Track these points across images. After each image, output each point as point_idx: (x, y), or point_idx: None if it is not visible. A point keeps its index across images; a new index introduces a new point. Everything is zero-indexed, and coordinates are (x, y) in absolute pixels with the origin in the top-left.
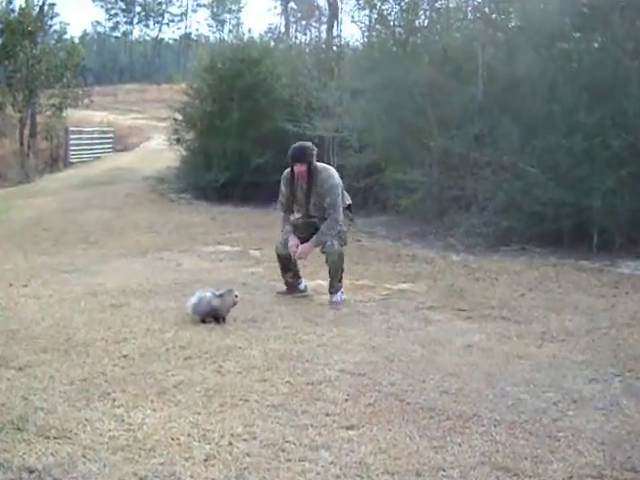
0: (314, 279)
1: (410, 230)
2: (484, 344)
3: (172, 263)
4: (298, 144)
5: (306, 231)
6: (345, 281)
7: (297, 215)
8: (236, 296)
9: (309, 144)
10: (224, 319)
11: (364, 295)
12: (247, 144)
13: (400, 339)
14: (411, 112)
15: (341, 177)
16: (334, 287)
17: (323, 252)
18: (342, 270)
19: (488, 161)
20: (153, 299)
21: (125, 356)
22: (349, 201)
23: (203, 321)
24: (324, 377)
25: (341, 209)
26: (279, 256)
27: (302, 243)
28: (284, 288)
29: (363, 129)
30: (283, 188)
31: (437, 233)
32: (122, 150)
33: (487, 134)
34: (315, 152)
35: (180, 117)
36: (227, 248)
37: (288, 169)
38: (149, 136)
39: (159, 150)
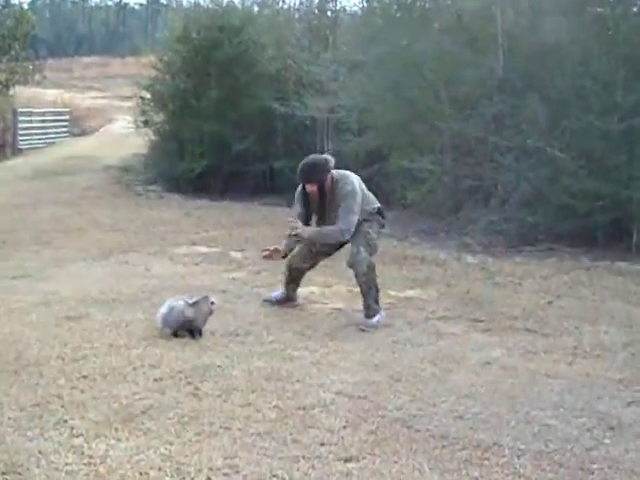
0: (306, 285)
1: (418, 227)
2: (505, 361)
3: (139, 267)
4: (308, 160)
5: (325, 244)
6: (341, 287)
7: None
8: (212, 303)
9: (321, 158)
10: (200, 332)
11: None
12: (227, 127)
13: (407, 355)
14: (419, 89)
15: (337, 166)
16: (370, 309)
17: (350, 266)
18: (377, 287)
19: (509, 146)
20: (117, 310)
21: (85, 377)
22: (377, 204)
23: (175, 335)
24: (318, 400)
25: (354, 218)
26: (292, 269)
27: (319, 257)
28: (271, 295)
29: (363, 109)
30: (297, 204)
31: (450, 231)
32: (80, 135)
33: (508, 114)
34: (330, 167)
35: (148, 96)
36: (204, 249)
37: (299, 188)
38: (112, 118)
39: (124, 134)
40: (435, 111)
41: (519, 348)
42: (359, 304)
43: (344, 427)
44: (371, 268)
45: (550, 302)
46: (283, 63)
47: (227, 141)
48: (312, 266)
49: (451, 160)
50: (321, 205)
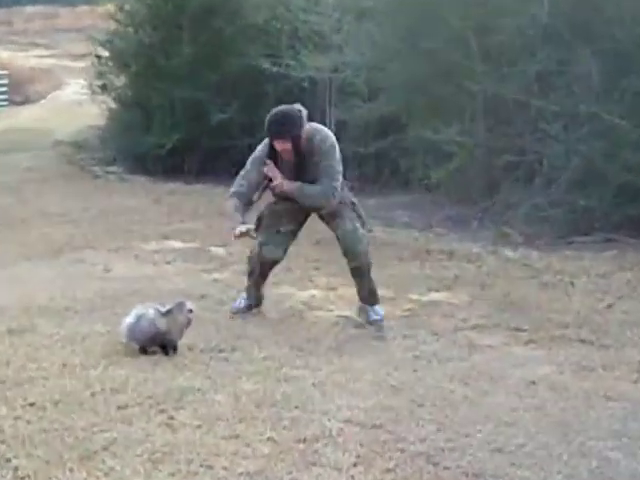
0: (306, 288)
1: (445, 214)
2: (555, 379)
3: (97, 268)
4: (277, 111)
5: (294, 220)
6: (348, 289)
7: (275, 199)
8: (190, 311)
9: (294, 109)
10: (175, 348)
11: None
12: (205, 92)
13: (432, 374)
14: (444, 41)
15: (343, 139)
16: (376, 295)
17: (346, 248)
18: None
19: (557, 112)
20: (70, 321)
21: (32, 404)
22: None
23: (144, 351)
24: (322, 431)
25: (340, 178)
26: (263, 262)
27: (289, 238)
28: (240, 303)
29: (373, 67)
30: (250, 167)
31: (484, 218)
32: (22, 103)
33: (555, 72)
34: (304, 119)
35: (106, 54)
36: (178, 244)
37: (262, 144)
38: (61, 82)
39: (76, 102)
40: (464, 68)
41: (571, 364)
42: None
43: (354, 464)
44: (368, 244)
45: (610, 306)
46: (274, 11)
47: (205, 109)
48: (285, 254)
49: (485, 130)
50: (295, 167)
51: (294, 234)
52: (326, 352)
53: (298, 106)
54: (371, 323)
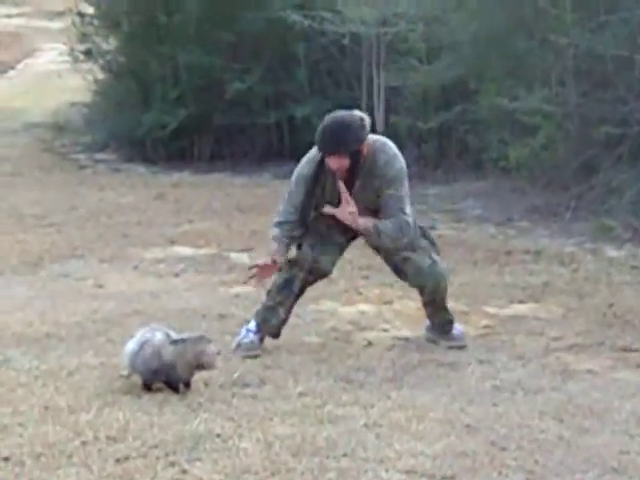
0: (353, 303)
1: (528, 204)
2: None
3: (87, 283)
4: (333, 120)
5: (344, 234)
6: (408, 303)
7: (317, 234)
8: (211, 357)
9: (354, 117)
10: (188, 384)
11: None
12: (217, 56)
13: (517, 409)
14: None
15: (396, 111)
16: (450, 323)
17: (422, 284)
18: None
19: None
20: (54, 351)
21: (6, 459)
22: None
23: (148, 387)
24: None
25: (410, 211)
26: (312, 270)
27: (336, 249)
28: (245, 339)
29: (433, 19)
30: (295, 189)
31: (579, 208)
32: None
33: None
34: (366, 130)
35: (90, 10)
36: (188, 251)
37: (308, 156)
38: (33, 48)
39: (53, 73)
40: (550, 18)
41: None
42: None
43: None
44: (449, 276)
45: None
46: None
47: (218, 78)
48: (333, 267)
49: (577, 95)
50: (349, 190)
51: (342, 250)
52: (381, 384)
53: (359, 113)
54: (448, 347)
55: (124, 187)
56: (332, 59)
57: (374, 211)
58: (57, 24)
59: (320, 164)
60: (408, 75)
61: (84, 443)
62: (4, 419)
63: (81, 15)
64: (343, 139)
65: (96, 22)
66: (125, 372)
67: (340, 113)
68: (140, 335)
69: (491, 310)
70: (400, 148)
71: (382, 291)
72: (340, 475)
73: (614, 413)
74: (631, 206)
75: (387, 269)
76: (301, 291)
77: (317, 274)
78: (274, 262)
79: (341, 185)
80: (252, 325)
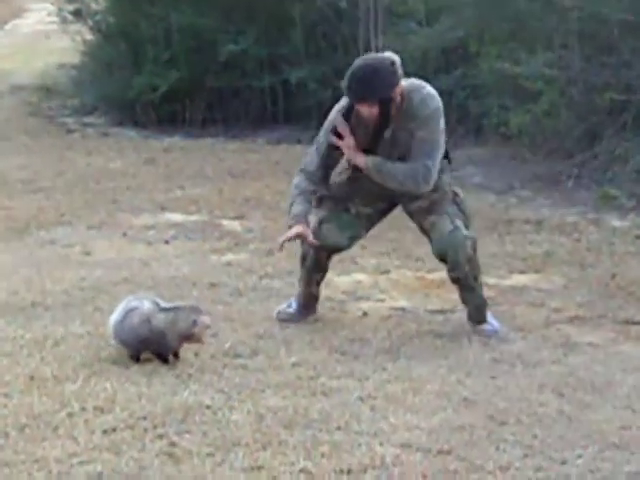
0: (349, 272)
1: (530, 172)
2: None
3: (74, 250)
4: (362, 65)
5: (372, 203)
6: (405, 273)
7: (328, 208)
8: (194, 322)
9: (384, 61)
10: (176, 354)
11: (446, 299)
12: (210, 16)
13: (517, 382)
14: None
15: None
16: (484, 310)
17: (443, 253)
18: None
19: None
20: (40, 320)
21: None
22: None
23: (137, 358)
24: (372, 458)
25: (439, 157)
26: (319, 246)
27: (363, 226)
28: (288, 308)
29: None
30: (323, 139)
31: (582, 176)
32: None
33: None
34: (398, 74)
35: None
36: (179, 217)
37: (339, 105)
38: (22, 8)
39: (41, 34)
40: None
41: None
42: (436, 299)
43: None
44: (475, 249)
45: None
46: None
47: (211, 39)
48: (352, 243)
49: (581, 60)
50: (376, 139)
51: (370, 221)
52: (376, 356)
53: (390, 55)
54: (480, 334)
55: (113, 152)
56: (328, 22)
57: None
58: None
59: (350, 109)
60: (407, 38)
61: (70, 414)
62: (13, 387)
63: None
64: (372, 86)
65: None
66: (112, 342)
67: (370, 56)
68: (125, 303)
69: (491, 280)
70: None
71: (379, 261)
72: (333, 448)
73: (616, 387)
74: (635, 174)
75: (385, 238)
76: (316, 266)
77: (328, 249)
78: (303, 235)
79: (341, 126)
80: (294, 300)
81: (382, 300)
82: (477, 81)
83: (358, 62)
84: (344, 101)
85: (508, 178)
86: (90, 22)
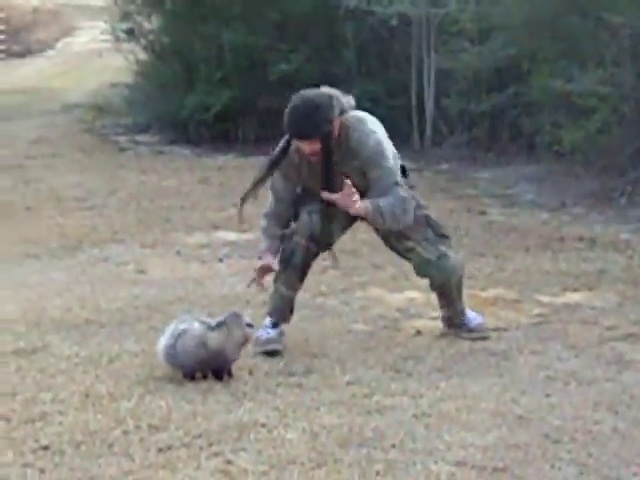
0: (402, 289)
1: (583, 189)
2: None
3: (128, 268)
4: (299, 102)
5: (340, 222)
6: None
7: (315, 202)
8: (249, 325)
9: (322, 96)
10: (230, 372)
11: (499, 317)
12: (262, 36)
13: (571, 400)
14: None
15: (446, 93)
16: (464, 313)
17: (425, 275)
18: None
19: None
20: (94, 338)
21: (45, 448)
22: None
23: (191, 377)
24: (427, 476)
25: (400, 179)
26: (310, 237)
27: (339, 223)
28: (266, 335)
29: None
30: (278, 185)
31: (635, 193)
32: (22, 55)
33: None
34: (335, 108)
35: None
36: (232, 236)
37: (281, 145)
38: (73, 27)
39: (94, 53)
40: None
41: None
42: (490, 317)
43: None
44: (463, 269)
45: None
46: None
47: (263, 59)
48: (338, 236)
49: (634, 77)
50: (328, 174)
51: (347, 220)
52: (430, 373)
53: (327, 90)
54: (467, 336)
55: (167, 170)
56: (381, 40)
57: (364, 192)
58: (97, 2)
59: (287, 146)
60: (459, 57)
61: (125, 432)
62: (44, 407)
63: None
64: (313, 123)
65: (138, 0)
66: (164, 364)
67: (307, 93)
68: (173, 327)
69: (544, 298)
70: (451, 131)
71: None
72: (388, 467)
73: None
74: None
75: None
76: (303, 264)
77: (318, 242)
78: (268, 267)
79: (347, 182)
80: (267, 321)
81: (435, 318)
82: (529, 99)
83: (297, 99)
84: (281, 145)
85: (561, 195)
86: (143, 41)
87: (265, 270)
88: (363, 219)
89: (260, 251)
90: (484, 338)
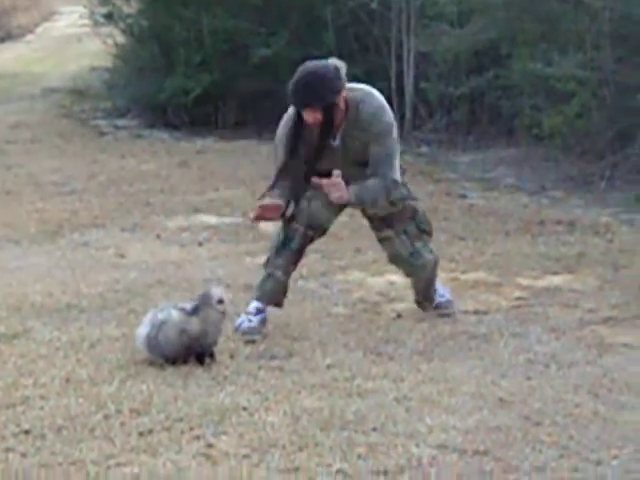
0: (382, 273)
1: (562, 173)
2: None
3: (108, 252)
4: (305, 71)
5: (334, 207)
6: (443, 275)
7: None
8: (220, 302)
9: (328, 67)
10: (212, 355)
11: (480, 300)
12: (242, 19)
13: (551, 383)
14: None
15: (426, 77)
16: (427, 301)
17: (393, 262)
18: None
19: None
20: (75, 322)
21: (27, 432)
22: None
23: (172, 361)
24: (408, 459)
25: (398, 161)
26: (309, 225)
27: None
28: (249, 321)
29: None
30: (275, 152)
31: (614, 177)
32: (1, 39)
33: None
34: (342, 80)
35: None
36: (212, 220)
37: (287, 114)
38: (53, 11)
39: (73, 37)
40: None
41: None
42: (471, 300)
43: None
44: (435, 269)
45: None
46: None
47: (243, 42)
48: (331, 223)
49: (613, 61)
50: (320, 147)
51: (339, 206)
52: (411, 357)
53: (335, 62)
54: (440, 313)
55: (146, 154)
56: (360, 23)
57: (363, 164)
58: None
59: (298, 119)
60: (438, 40)
61: (106, 416)
62: (25, 391)
63: None
64: (316, 91)
65: None
66: (143, 353)
67: (313, 63)
68: (151, 317)
69: (524, 281)
70: (430, 114)
71: None
72: (369, 450)
73: None
74: None
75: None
76: (300, 249)
77: (316, 228)
78: (278, 206)
79: (335, 172)
80: (251, 307)
81: None
82: (509, 82)
83: (302, 69)
84: (290, 110)
85: (540, 179)
86: (122, 25)
87: (269, 209)
88: None
89: (270, 193)
90: (449, 315)
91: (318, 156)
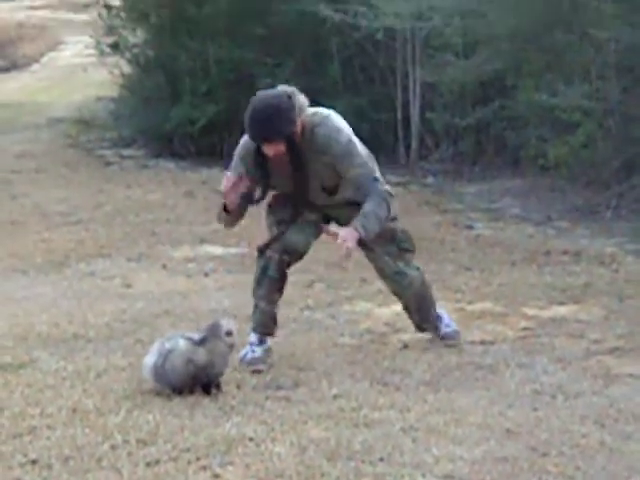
0: (388, 303)
1: (568, 204)
2: None
3: (114, 282)
4: (259, 105)
5: (310, 229)
6: (449, 305)
7: (285, 211)
8: (228, 334)
9: (281, 96)
10: (219, 385)
11: (486, 331)
12: (248, 50)
13: (558, 413)
14: None
15: (432, 107)
16: (431, 318)
17: (381, 279)
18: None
19: None
20: (81, 352)
21: (34, 462)
22: None
23: (179, 391)
24: None
25: (378, 174)
26: (283, 251)
27: (310, 227)
28: (253, 352)
29: (470, 12)
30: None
31: (620, 207)
32: (8, 69)
33: None
34: (296, 107)
35: (118, 2)
36: (219, 250)
37: (243, 141)
38: (58, 41)
39: (79, 67)
40: (589, 11)
41: None
42: (477, 331)
43: None
44: (423, 283)
45: None
46: None
47: (249, 72)
48: (307, 247)
49: (619, 91)
50: (301, 176)
51: (317, 227)
52: (417, 387)
53: (286, 89)
54: (445, 340)
55: (152, 184)
56: (366, 54)
57: (334, 187)
58: (82, 16)
59: (257, 151)
60: (444, 70)
61: (113, 446)
62: (32, 421)
63: (108, 7)
64: (273, 126)
65: (123, 14)
66: (150, 383)
67: (264, 94)
68: (158, 346)
69: (530, 312)
70: (436, 145)
71: None
72: None
73: None
74: None
75: (424, 270)
76: (279, 277)
77: (292, 253)
78: (240, 178)
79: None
80: (252, 338)
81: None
82: (514, 113)
83: (255, 102)
84: (244, 142)
85: (546, 209)
86: (128, 55)
87: (237, 185)
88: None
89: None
90: (455, 345)
91: (304, 182)
